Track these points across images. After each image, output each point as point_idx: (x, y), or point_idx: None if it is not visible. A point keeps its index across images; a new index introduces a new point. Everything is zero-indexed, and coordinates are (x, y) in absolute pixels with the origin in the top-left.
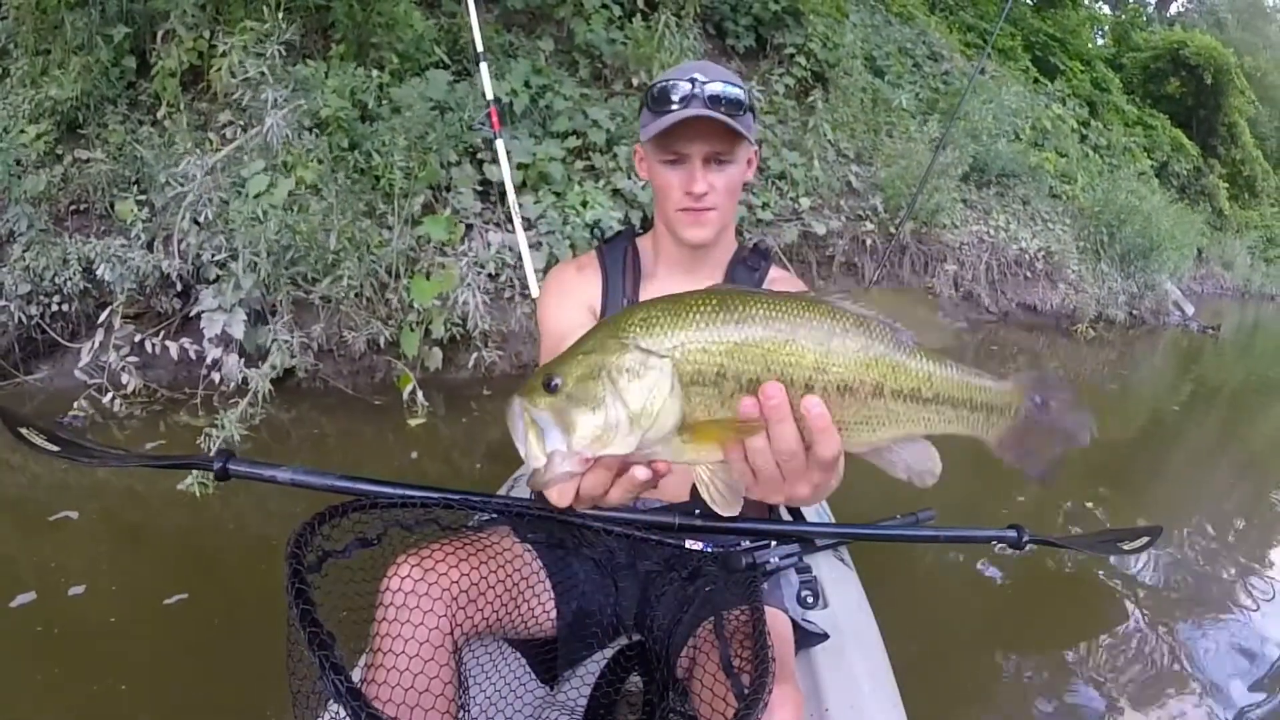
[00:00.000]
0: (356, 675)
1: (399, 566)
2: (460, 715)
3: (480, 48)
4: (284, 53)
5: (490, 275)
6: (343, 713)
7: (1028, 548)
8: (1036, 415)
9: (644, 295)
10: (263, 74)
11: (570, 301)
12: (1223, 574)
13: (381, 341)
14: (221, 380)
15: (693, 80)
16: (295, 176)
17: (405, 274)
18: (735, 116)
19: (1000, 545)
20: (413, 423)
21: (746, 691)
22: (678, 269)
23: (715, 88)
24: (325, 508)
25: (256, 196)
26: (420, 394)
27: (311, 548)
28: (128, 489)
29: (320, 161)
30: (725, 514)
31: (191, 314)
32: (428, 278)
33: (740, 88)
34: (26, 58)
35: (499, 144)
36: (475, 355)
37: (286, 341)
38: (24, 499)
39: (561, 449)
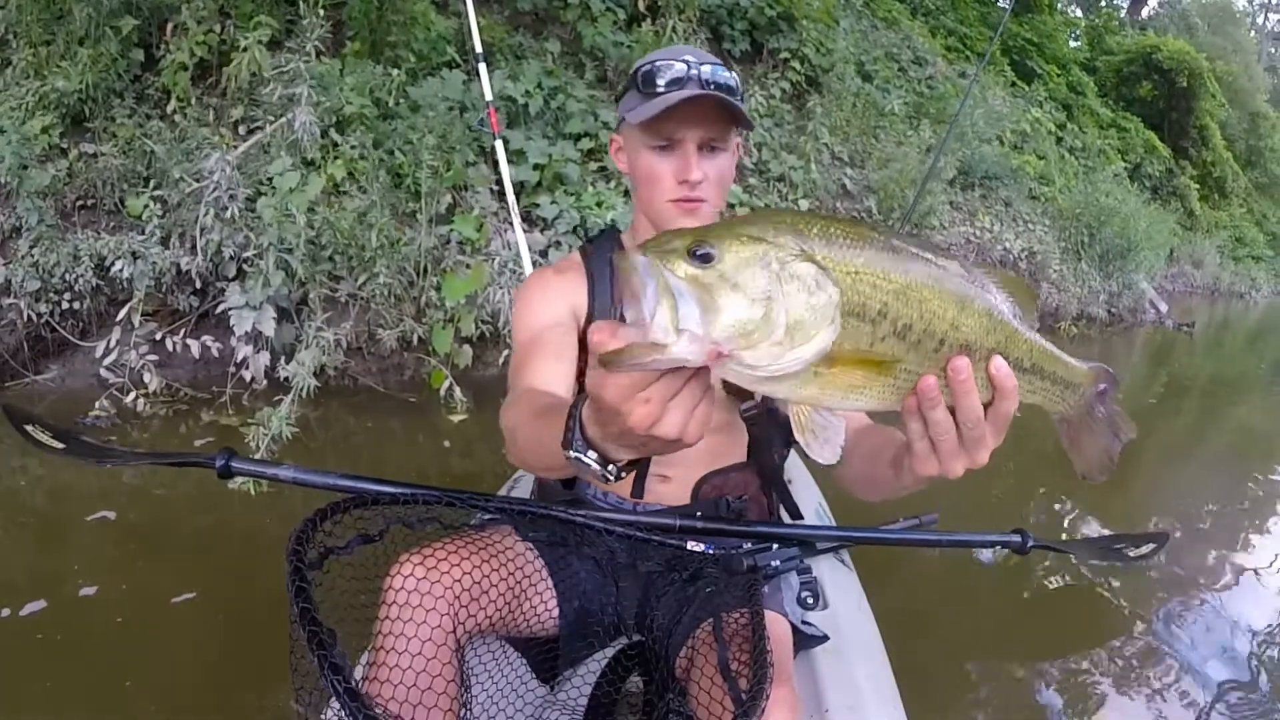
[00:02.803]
0: (359, 673)
1: (402, 565)
2: (462, 714)
3: (479, 49)
4: (320, 48)
5: (516, 274)
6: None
7: (1031, 553)
8: (1095, 401)
9: None
10: (297, 69)
11: (552, 299)
12: (1225, 574)
13: (415, 339)
14: (252, 379)
15: (687, 62)
16: (326, 174)
17: (432, 272)
18: (732, 99)
19: (1004, 550)
20: (454, 419)
21: (744, 696)
22: None
23: (710, 69)
24: (327, 504)
25: (290, 192)
26: (458, 390)
27: (313, 544)
28: (167, 489)
29: (360, 158)
30: (823, 460)
31: (217, 311)
32: (456, 273)
33: (731, 71)
34: (29, 48)
35: (498, 144)
36: (506, 353)
37: (324, 338)
38: (64, 498)
39: (696, 331)
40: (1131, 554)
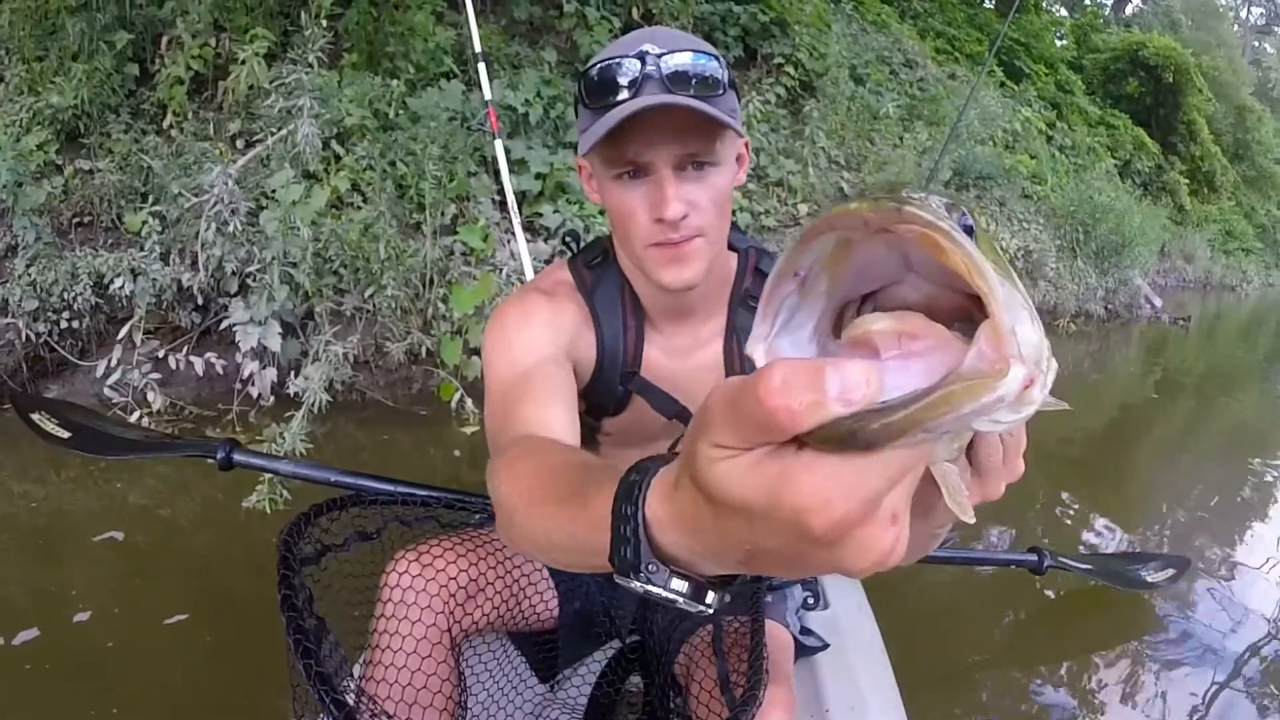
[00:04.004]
0: (359, 672)
1: (397, 563)
2: (459, 713)
3: (479, 48)
4: (325, 60)
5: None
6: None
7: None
8: None
9: (649, 348)
10: (299, 80)
11: (545, 330)
12: (1228, 570)
13: (423, 351)
14: (259, 395)
15: (643, 55)
16: (329, 185)
17: (438, 284)
18: (711, 99)
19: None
20: (466, 431)
21: (738, 700)
22: (662, 315)
23: (679, 60)
24: (323, 500)
25: (294, 204)
26: (469, 401)
27: (309, 540)
28: (173, 510)
29: (368, 169)
30: (971, 520)
31: (220, 327)
32: (462, 284)
33: (713, 56)
34: (22, 64)
35: (497, 144)
36: None
37: (334, 352)
38: (71, 518)
39: (1022, 347)
40: (1150, 579)
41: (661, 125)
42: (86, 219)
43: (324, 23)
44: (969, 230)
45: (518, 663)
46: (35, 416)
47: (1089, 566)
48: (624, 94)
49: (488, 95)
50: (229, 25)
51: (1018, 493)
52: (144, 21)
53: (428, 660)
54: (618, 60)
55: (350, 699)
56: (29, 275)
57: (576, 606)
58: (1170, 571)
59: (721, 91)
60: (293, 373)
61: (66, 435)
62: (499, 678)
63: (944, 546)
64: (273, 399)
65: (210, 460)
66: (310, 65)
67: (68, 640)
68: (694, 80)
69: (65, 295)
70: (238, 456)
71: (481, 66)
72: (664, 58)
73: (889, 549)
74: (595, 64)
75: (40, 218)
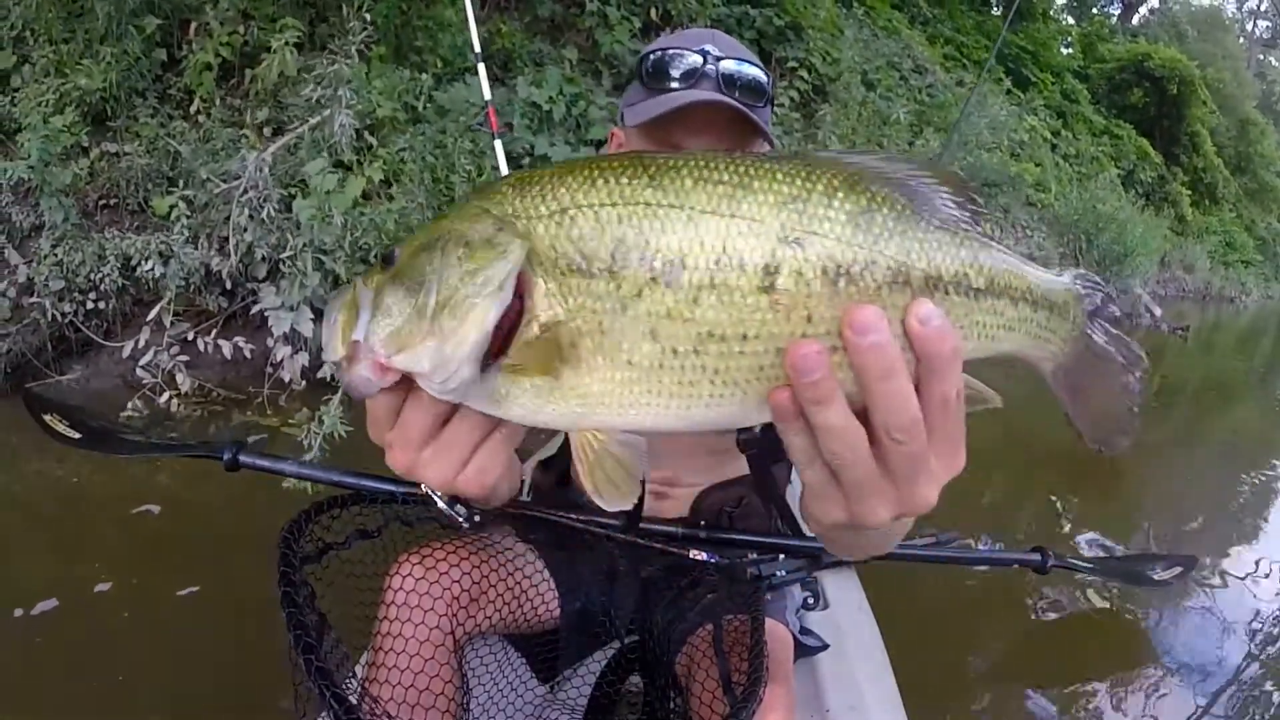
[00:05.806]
0: (360, 672)
1: (401, 565)
2: (461, 715)
3: (478, 48)
4: (364, 50)
5: None
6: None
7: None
8: (1091, 327)
9: None
10: (339, 71)
11: None
12: (1225, 574)
13: None
14: (290, 380)
15: (704, 53)
16: (363, 175)
17: None
18: (754, 107)
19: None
20: None
21: (738, 700)
22: None
23: (732, 66)
24: (325, 498)
25: (329, 193)
26: None
27: (310, 539)
28: (201, 489)
29: (404, 160)
30: (611, 508)
31: (250, 312)
32: None
33: (761, 69)
34: (49, 46)
35: (497, 144)
36: None
37: None
38: (106, 492)
39: (364, 341)
40: (1156, 577)
41: (710, 120)
42: (112, 201)
43: (366, 16)
44: (389, 258)
45: (518, 664)
46: (47, 418)
47: (1094, 566)
48: (678, 83)
49: (487, 95)
50: (256, 14)
51: (1015, 494)
52: (171, 7)
53: (430, 663)
54: (681, 51)
55: (352, 697)
56: (55, 255)
57: (577, 607)
58: (1177, 569)
59: (764, 104)
60: (327, 359)
61: (77, 436)
62: (499, 679)
63: (945, 546)
64: (304, 383)
65: (218, 460)
66: (350, 57)
67: (85, 609)
68: (743, 86)
69: (92, 276)
70: (244, 458)
71: (481, 67)
72: (723, 61)
73: (396, 460)
74: (659, 48)
75: (67, 198)
